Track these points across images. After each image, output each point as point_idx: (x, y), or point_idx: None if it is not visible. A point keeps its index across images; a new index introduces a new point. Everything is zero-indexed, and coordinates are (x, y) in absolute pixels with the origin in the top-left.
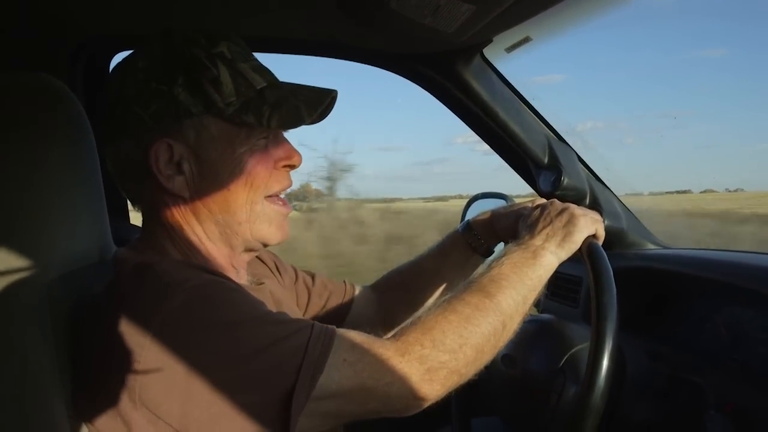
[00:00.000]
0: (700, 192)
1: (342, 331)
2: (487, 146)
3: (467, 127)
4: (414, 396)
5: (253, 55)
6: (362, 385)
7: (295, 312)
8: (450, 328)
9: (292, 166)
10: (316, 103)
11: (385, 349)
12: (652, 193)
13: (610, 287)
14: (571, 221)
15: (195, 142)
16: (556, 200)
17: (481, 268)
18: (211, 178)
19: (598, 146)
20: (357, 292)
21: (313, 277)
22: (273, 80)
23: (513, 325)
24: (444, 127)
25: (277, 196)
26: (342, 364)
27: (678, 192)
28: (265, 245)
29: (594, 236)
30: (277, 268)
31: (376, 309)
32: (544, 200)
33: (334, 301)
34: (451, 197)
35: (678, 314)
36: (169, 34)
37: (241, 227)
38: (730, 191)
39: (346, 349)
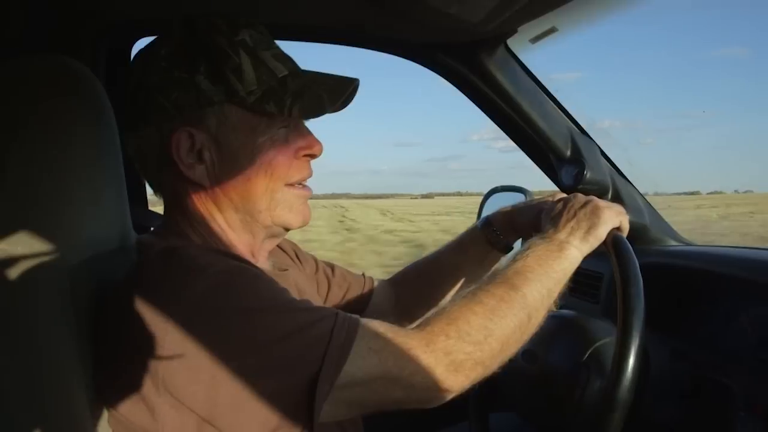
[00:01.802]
0: (708, 193)
1: (366, 320)
2: (502, 144)
3: (488, 120)
4: (438, 387)
5: (275, 43)
6: (387, 373)
7: (317, 301)
8: (475, 319)
9: (313, 156)
10: (338, 93)
11: (410, 338)
12: (657, 194)
13: (636, 279)
14: (595, 213)
15: (216, 130)
16: (579, 193)
17: (503, 261)
18: (231, 166)
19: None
20: (375, 285)
21: (333, 268)
22: (295, 68)
23: (538, 318)
24: (460, 124)
25: (299, 185)
26: (367, 352)
27: (686, 193)
28: (287, 230)
29: (618, 229)
30: (298, 257)
31: (394, 303)
32: (564, 194)
33: (354, 293)
34: (436, 194)
35: (702, 312)
36: (192, 21)
37: (261, 215)
38: (739, 193)
39: (371, 337)
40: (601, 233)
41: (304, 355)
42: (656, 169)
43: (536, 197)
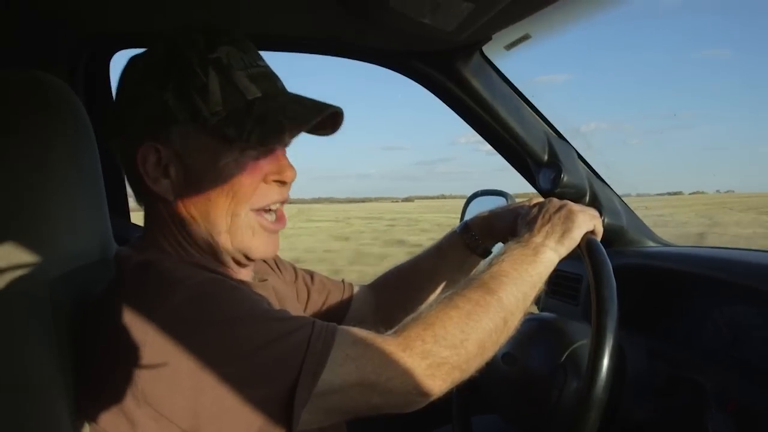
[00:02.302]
0: (690, 194)
1: (344, 327)
2: (489, 146)
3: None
4: (416, 391)
5: (258, 61)
6: (365, 380)
7: (297, 309)
8: (451, 323)
9: (283, 182)
10: (303, 123)
11: (387, 344)
12: (640, 195)
13: (609, 281)
14: (569, 218)
15: (181, 148)
16: (554, 198)
17: (481, 266)
18: (194, 185)
19: (602, 147)
20: (355, 291)
21: (312, 275)
22: (271, 90)
23: (514, 322)
24: (447, 127)
25: (267, 210)
26: (344, 360)
27: (669, 194)
28: (249, 258)
29: (592, 232)
30: (277, 266)
31: (374, 309)
32: (541, 198)
33: (333, 300)
34: (416, 198)
35: (678, 312)
36: (174, 35)
37: (221, 237)
38: (720, 193)
39: (348, 344)
40: (576, 236)
41: (282, 364)
42: (643, 170)
43: (515, 202)
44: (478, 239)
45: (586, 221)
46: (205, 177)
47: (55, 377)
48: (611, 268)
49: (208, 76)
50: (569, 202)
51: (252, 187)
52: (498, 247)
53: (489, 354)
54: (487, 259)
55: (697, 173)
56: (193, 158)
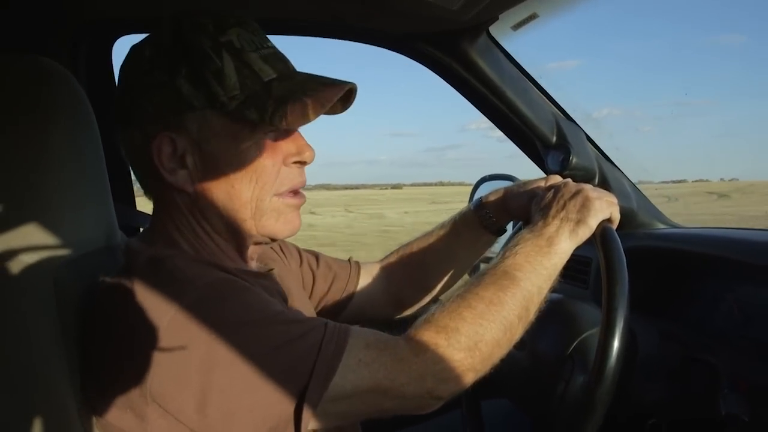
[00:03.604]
0: (693, 181)
1: (356, 329)
2: (500, 133)
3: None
4: (429, 395)
5: (267, 42)
6: (377, 386)
7: (302, 297)
8: (465, 325)
9: (303, 163)
10: (324, 100)
11: (401, 348)
12: (641, 182)
13: (622, 277)
14: (585, 205)
15: (198, 136)
16: (570, 181)
17: (495, 247)
18: (214, 173)
19: (614, 132)
20: (363, 270)
21: (317, 258)
22: (285, 71)
23: (529, 317)
24: (457, 113)
25: (289, 193)
26: (357, 365)
27: (674, 182)
28: (273, 240)
29: (609, 220)
30: (282, 250)
31: (384, 288)
32: (557, 178)
33: (340, 283)
34: (406, 185)
35: (689, 294)
36: (178, 20)
37: (245, 224)
38: (724, 181)
39: (361, 348)
40: (591, 225)
41: (292, 368)
42: (653, 156)
43: (529, 180)
44: (493, 217)
45: (603, 208)
46: (226, 163)
47: (61, 366)
48: (625, 261)
49: (222, 59)
50: (585, 186)
51: (275, 169)
52: (512, 225)
53: (504, 352)
54: (500, 250)
55: (704, 161)
56: (212, 145)
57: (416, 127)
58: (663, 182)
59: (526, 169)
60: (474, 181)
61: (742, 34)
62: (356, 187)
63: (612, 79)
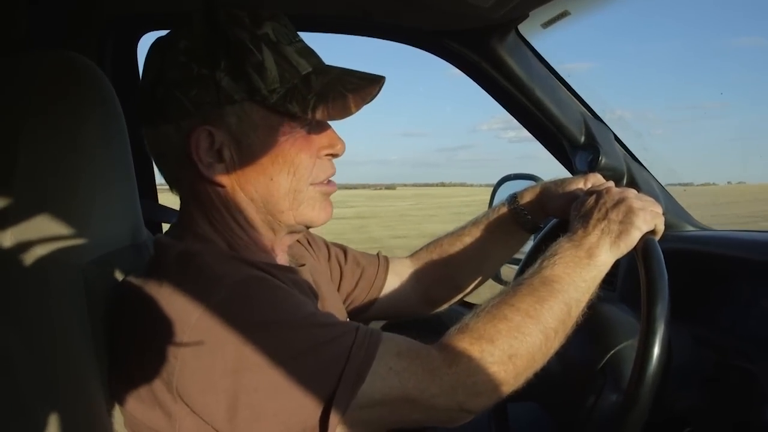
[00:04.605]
0: (699, 185)
1: (388, 336)
2: (512, 134)
3: (497, 109)
4: (460, 408)
5: (298, 37)
6: (407, 396)
7: (331, 290)
8: (500, 337)
9: (335, 155)
10: (364, 94)
11: (433, 358)
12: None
13: (663, 297)
14: (628, 216)
15: (237, 129)
16: (612, 186)
17: (528, 244)
18: (252, 166)
19: (627, 136)
20: (391, 266)
21: (345, 251)
22: (319, 64)
23: (566, 331)
24: (469, 113)
25: (323, 183)
26: (387, 373)
27: (680, 185)
28: (309, 227)
29: (652, 232)
30: (309, 244)
31: (414, 284)
32: (598, 178)
33: (368, 278)
34: (398, 185)
35: (721, 298)
36: (213, 13)
37: (284, 215)
38: (731, 184)
39: (392, 356)
40: (634, 238)
41: (320, 373)
42: (659, 159)
43: (567, 178)
44: (528, 215)
45: (647, 220)
46: (264, 156)
47: (90, 361)
48: (667, 279)
49: (262, 52)
50: (629, 193)
51: (310, 162)
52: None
53: (539, 366)
54: (538, 259)
55: (711, 165)
56: (251, 138)
57: (427, 127)
58: (669, 184)
59: (536, 170)
60: (479, 182)
61: (761, 36)
62: (353, 187)
63: (625, 81)
